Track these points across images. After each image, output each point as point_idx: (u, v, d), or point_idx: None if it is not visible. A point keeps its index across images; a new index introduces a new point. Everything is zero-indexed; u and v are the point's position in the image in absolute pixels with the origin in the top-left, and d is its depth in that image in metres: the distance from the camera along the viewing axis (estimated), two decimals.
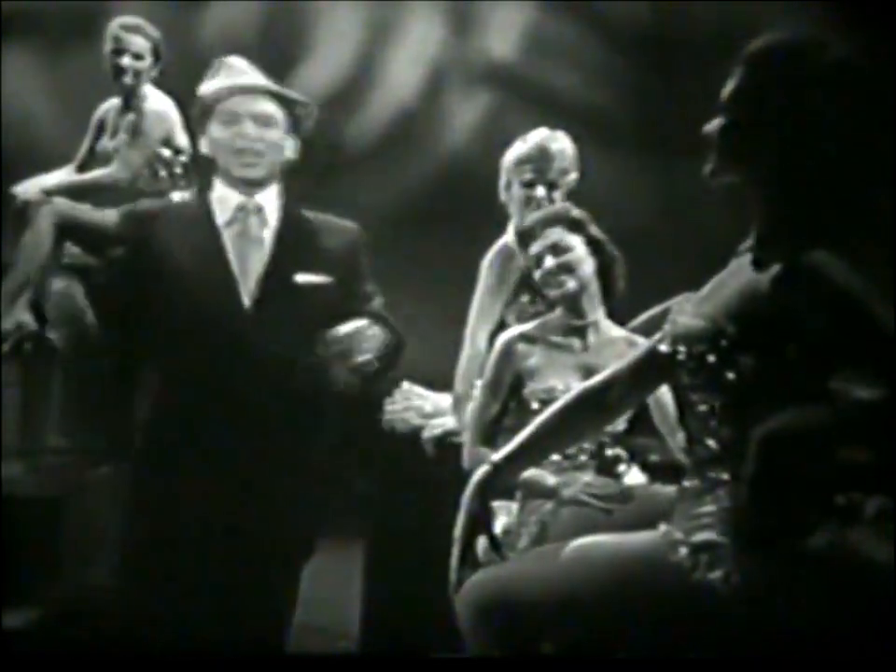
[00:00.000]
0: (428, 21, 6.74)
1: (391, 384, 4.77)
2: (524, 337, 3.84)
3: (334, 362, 3.47)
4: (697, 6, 6.48)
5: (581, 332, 3.83)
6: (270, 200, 3.62)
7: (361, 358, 3.49)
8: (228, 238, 3.55)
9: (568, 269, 3.80)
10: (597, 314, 3.85)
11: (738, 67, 2.35)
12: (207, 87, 3.63)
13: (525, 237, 3.92)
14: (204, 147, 3.65)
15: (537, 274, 3.86)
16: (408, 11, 6.73)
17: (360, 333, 3.52)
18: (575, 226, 3.85)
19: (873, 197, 2.30)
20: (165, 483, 3.41)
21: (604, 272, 3.85)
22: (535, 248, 3.85)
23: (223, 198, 3.59)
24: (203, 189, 3.68)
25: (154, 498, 3.43)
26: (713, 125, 2.36)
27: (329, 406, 3.64)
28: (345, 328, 3.51)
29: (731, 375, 2.28)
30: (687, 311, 2.40)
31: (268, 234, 3.58)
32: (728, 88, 2.36)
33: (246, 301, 3.50)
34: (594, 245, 3.84)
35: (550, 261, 3.81)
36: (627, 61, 6.63)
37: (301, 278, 3.54)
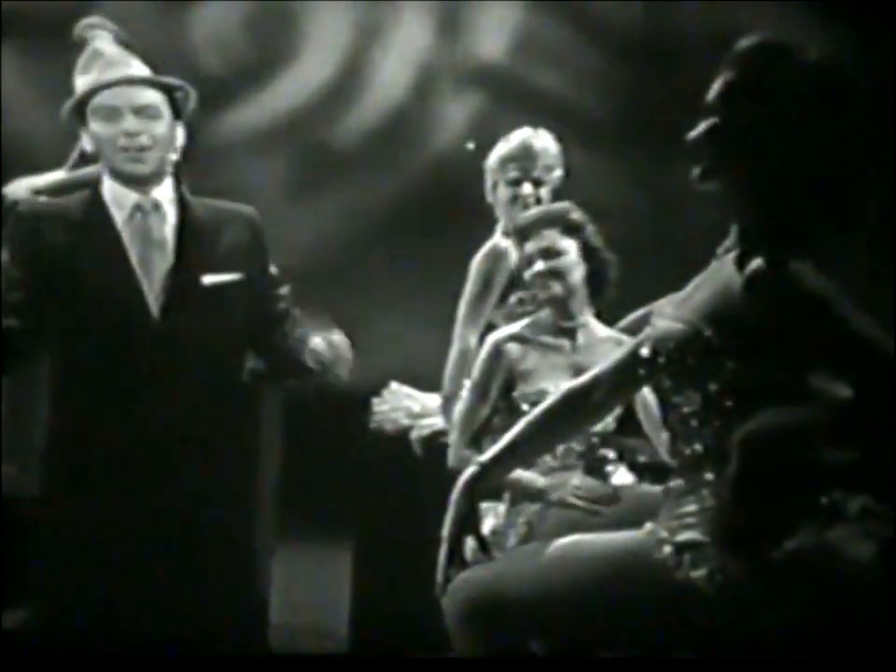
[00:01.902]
0: (417, 23, 6.74)
1: (379, 384, 4.77)
2: (514, 338, 3.84)
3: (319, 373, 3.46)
4: (685, 6, 6.49)
5: (570, 333, 3.84)
6: (165, 193, 3.49)
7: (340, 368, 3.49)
8: (128, 240, 3.42)
9: (557, 274, 3.79)
10: (586, 315, 3.85)
11: (723, 70, 2.36)
12: (83, 81, 3.53)
13: (520, 233, 3.90)
14: (87, 143, 3.52)
15: (526, 274, 3.86)
16: (397, 13, 6.73)
17: (337, 346, 3.50)
18: (572, 229, 3.83)
19: (857, 200, 2.31)
20: (82, 495, 3.38)
21: (595, 277, 3.84)
22: (528, 248, 3.84)
23: (117, 195, 3.45)
24: (95, 187, 3.52)
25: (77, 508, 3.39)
26: (698, 130, 2.36)
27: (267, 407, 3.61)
28: (321, 342, 3.48)
29: (710, 377, 2.28)
30: (667, 314, 2.40)
31: (169, 233, 3.45)
32: (713, 91, 2.36)
33: (154, 309, 3.38)
34: (588, 250, 3.83)
35: (540, 264, 3.80)
36: (615, 61, 6.64)
37: (209, 279, 3.42)
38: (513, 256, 4.50)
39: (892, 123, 2.62)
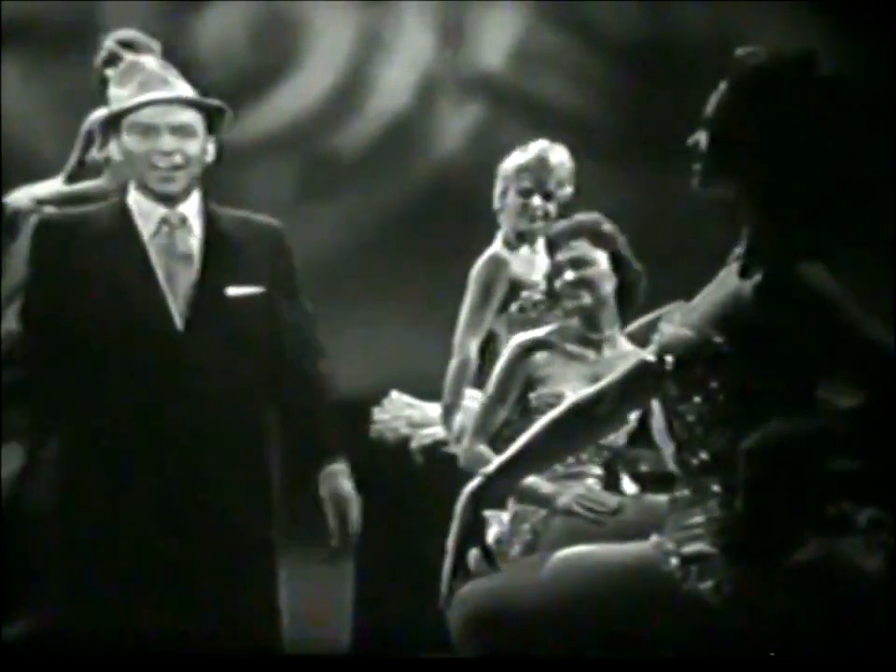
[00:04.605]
0: (420, 31, 6.74)
1: (380, 393, 4.77)
2: (539, 343, 3.83)
3: None
4: (688, 14, 6.49)
5: (596, 345, 3.83)
6: (192, 208, 3.50)
7: None
8: (154, 253, 3.44)
9: (587, 284, 3.79)
10: (614, 329, 3.85)
11: (722, 83, 2.36)
12: (119, 93, 3.53)
13: (552, 243, 3.90)
14: (116, 153, 3.53)
15: (556, 284, 3.85)
16: (400, 21, 6.73)
17: None
18: (602, 240, 3.83)
19: (861, 206, 2.30)
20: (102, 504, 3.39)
21: (625, 289, 3.84)
22: (558, 257, 3.84)
23: (144, 209, 3.47)
24: (121, 197, 3.55)
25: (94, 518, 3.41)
26: (698, 138, 2.36)
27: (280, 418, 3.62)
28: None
29: (717, 385, 2.28)
30: (675, 320, 2.40)
31: (195, 245, 3.47)
32: (712, 103, 2.36)
33: (178, 321, 3.41)
34: (617, 262, 3.83)
35: (570, 274, 3.80)
36: (618, 70, 6.64)
37: (233, 292, 3.44)
38: (513, 264, 4.50)
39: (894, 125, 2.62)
